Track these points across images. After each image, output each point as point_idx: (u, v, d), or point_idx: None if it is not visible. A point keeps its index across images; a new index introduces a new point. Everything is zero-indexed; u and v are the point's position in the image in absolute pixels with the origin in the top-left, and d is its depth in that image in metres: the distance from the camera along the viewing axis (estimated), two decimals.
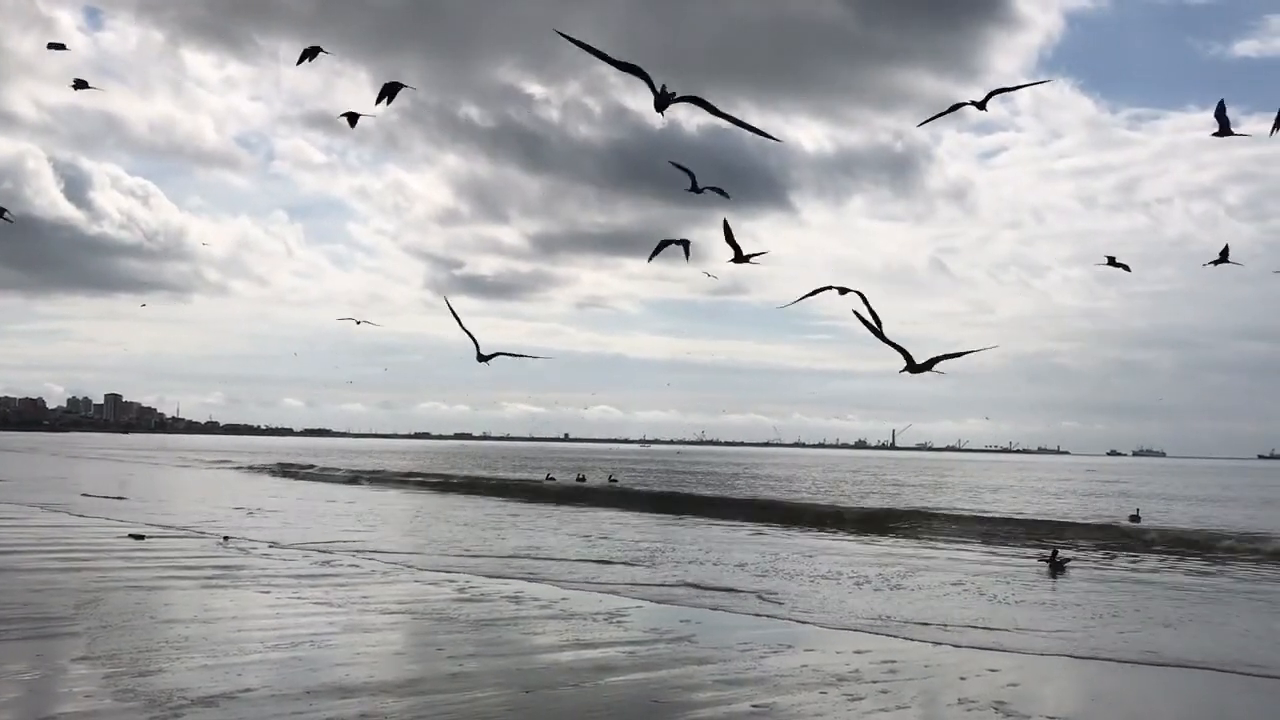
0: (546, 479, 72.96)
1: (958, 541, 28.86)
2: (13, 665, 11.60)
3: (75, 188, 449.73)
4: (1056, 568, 24.36)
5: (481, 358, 9.65)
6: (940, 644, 14.40)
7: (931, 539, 28.62)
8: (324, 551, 23.85)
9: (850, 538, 30.39)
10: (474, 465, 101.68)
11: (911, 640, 14.65)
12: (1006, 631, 15.98)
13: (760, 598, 18.54)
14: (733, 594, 19.01)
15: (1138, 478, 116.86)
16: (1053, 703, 11.71)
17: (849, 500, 53.21)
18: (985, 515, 35.80)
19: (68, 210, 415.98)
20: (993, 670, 12.78)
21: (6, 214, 13.07)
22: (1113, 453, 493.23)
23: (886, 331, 10.24)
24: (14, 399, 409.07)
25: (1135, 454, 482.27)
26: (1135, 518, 42.15)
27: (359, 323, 16.01)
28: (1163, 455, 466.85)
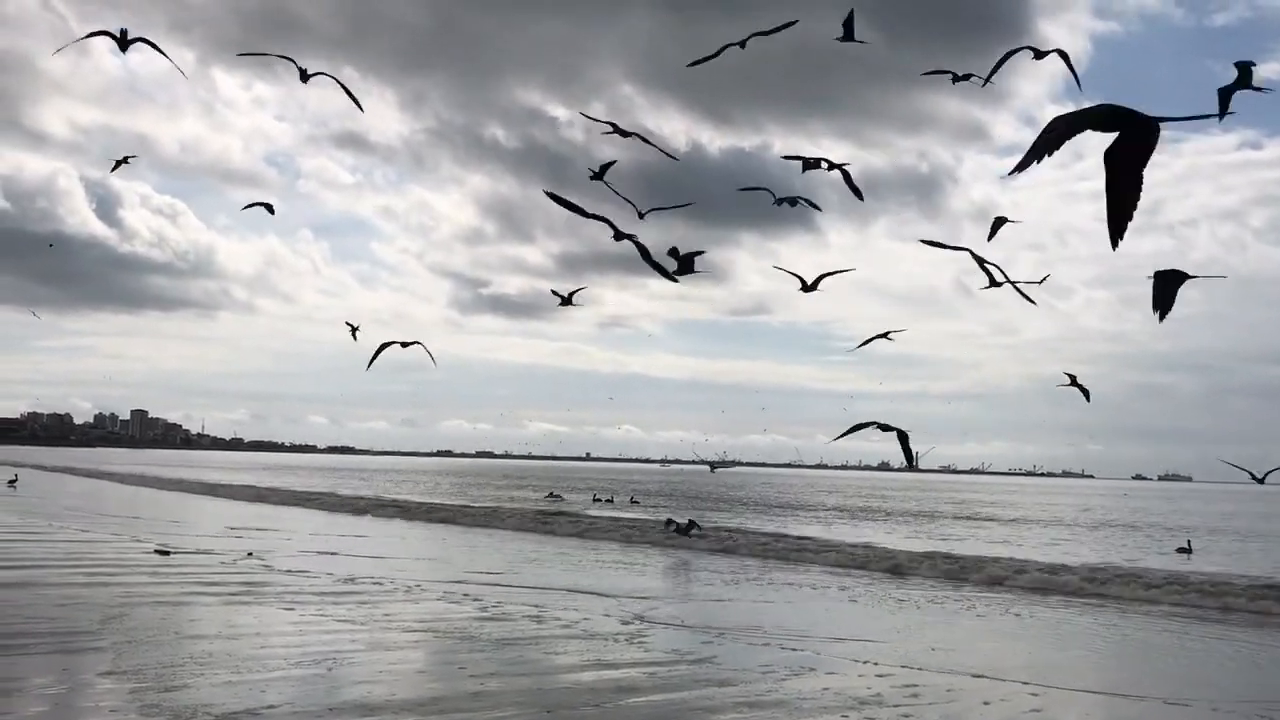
0: (548, 496, 73.13)
1: (999, 590, 27.11)
2: (40, 679, 11.72)
3: (106, 206, 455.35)
4: (683, 531, 32.48)
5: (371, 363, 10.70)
6: (964, 670, 14.31)
7: (974, 583, 27.38)
8: (347, 570, 23.93)
9: (881, 577, 30.22)
10: (495, 487, 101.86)
11: (935, 667, 14.56)
12: (1032, 664, 15.90)
13: (781, 629, 18.51)
14: (755, 629, 19.00)
15: (1173, 505, 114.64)
16: None
17: (881, 534, 53.07)
18: (1032, 561, 31.93)
19: (98, 228, 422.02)
20: (1015, 695, 12.70)
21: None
22: (1138, 477, 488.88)
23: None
24: (42, 414, 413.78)
25: (1161, 478, 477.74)
26: (1185, 549, 40.07)
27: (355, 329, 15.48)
28: (1189, 480, 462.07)
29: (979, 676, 13.80)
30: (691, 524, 35.86)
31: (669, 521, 37.54)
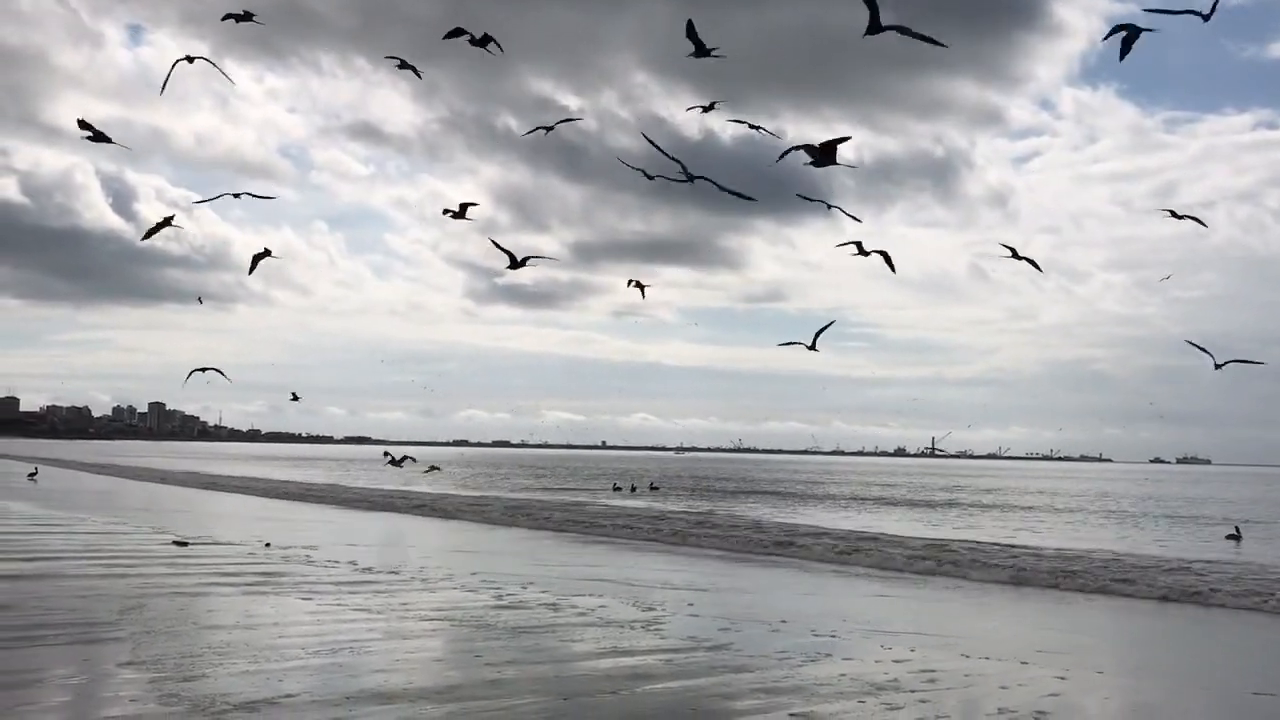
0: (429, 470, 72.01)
1: (1026, 581, 25.74)
2: (60, 670, 11.80)
3: (122, 200, 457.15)
4: (396, 462, 35.41)
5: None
6: (981, 656, 14.26)
7: (997, 572, 26.41)
8: (364, 560, 24.00)
9: (895, 565, 30.13)
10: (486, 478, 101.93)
11: (952, 653, 14.51)
12: (1051, 648, 15.84)
13: (798, 616, 18.47)
14: (772, 616, 18.98)
15: (1203, 489, 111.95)
16: (1095, 713, 11.58)
17: (895, 522, 52.99)
18: (1062, 550, 29.53)
19: (115, 222, 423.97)
20: (1034, 681, 12.64)
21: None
22: (1156, 460, 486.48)
23: None
24: (61, 408, 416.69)
25: (1179, 461, 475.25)
26: (1235, 536, 39.23)
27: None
28: (1208, 463, 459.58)
29: (998, 660, 13.76)
30: (406, 457, 38.13)
31: (387, 453, 39.78)
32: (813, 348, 14.96)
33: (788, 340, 15.64)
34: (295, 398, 22.37)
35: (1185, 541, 38.27)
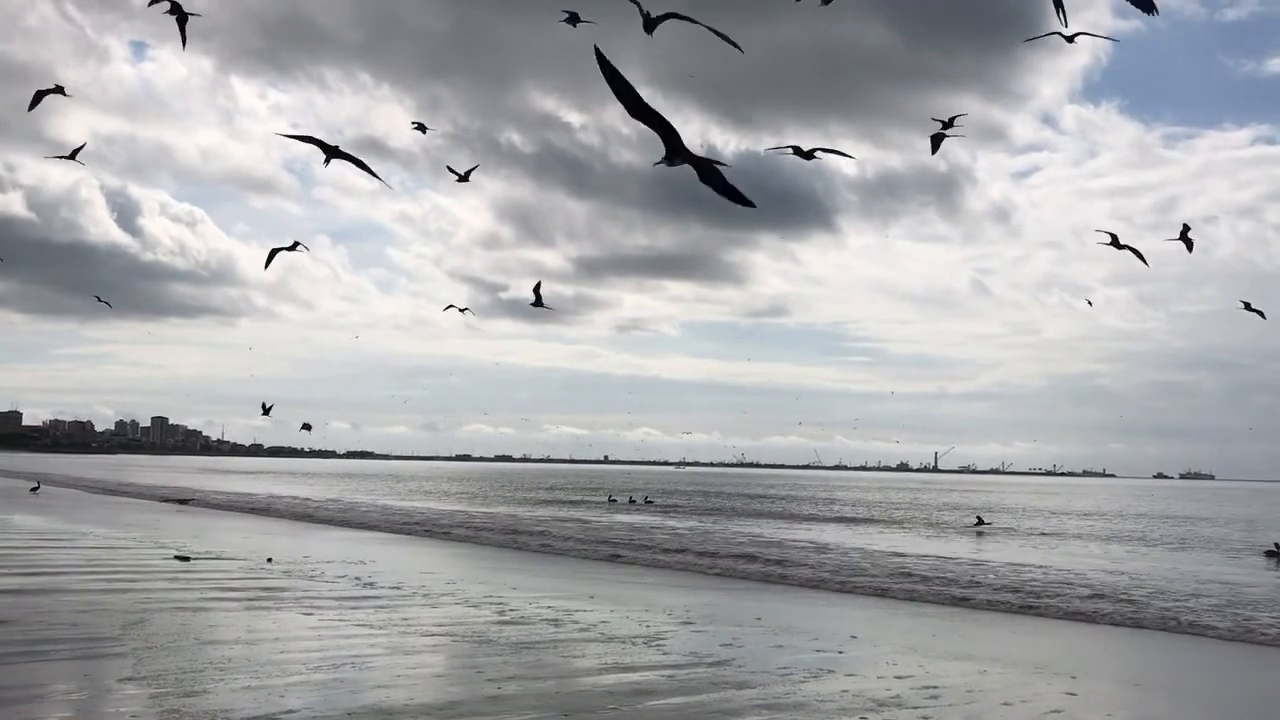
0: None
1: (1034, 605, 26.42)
2: (61, 685, 11.78)
3: (126, 215, 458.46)
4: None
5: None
6: (986, 672, 14.23)
7: (1005, 594, 26.74)
8: (366, 575, 23.98)
9: (901, 584, 30.06)
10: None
11: (955, 665, 14.48)
12: (1051, 660, 15.80)
13: (799, 632, 18.42)
14: (774, 632, 18.92)
15: (1219, 507, 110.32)
16: None
17: (898, 540, 52.93)
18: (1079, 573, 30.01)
19: (120, 237, 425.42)
20: (1039, 697, 12.61)
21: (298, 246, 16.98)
22: (1160, 475, 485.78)
23: None
24: (64, 422, 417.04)
25: (1182, 477, 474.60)
26: (1275, 553, 38.76)
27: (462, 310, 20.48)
28: (1211, 478, 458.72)
29: (1001, 677, 13.72)
30: (305, 425, 38.39)
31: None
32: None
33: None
34: (266, 410, 22.63)
35: (1222, 562, 37.34)
